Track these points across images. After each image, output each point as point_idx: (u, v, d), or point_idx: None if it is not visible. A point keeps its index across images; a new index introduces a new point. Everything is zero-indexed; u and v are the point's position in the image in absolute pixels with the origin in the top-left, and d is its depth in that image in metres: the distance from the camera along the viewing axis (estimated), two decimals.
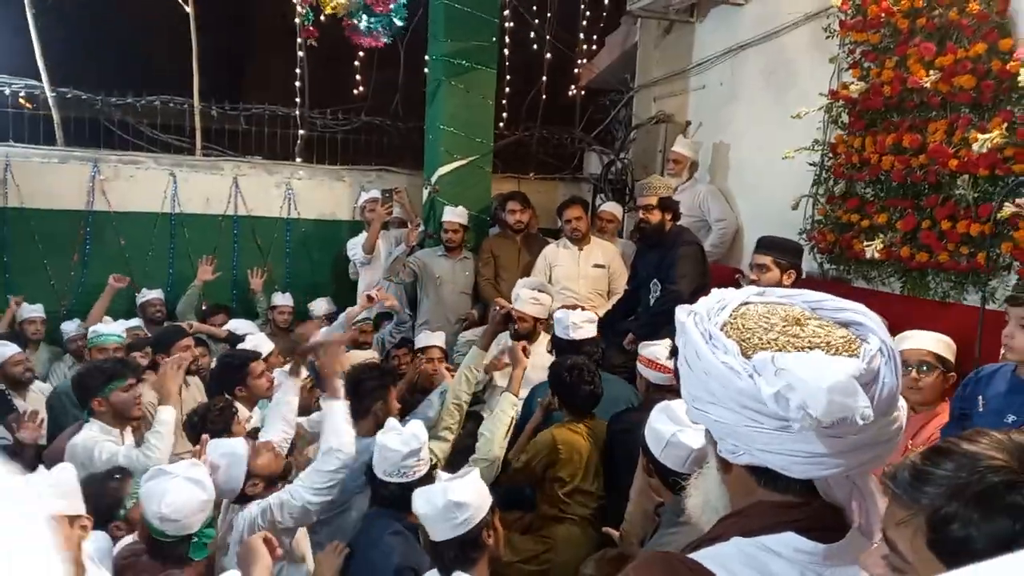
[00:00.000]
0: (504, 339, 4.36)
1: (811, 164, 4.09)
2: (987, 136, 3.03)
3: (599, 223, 5.24)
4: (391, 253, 5.11)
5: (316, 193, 6.01)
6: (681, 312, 1.01)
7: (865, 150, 3.72)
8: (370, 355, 4.49)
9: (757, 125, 4.70)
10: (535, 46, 6.32)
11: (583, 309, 4.27)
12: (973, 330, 3.06)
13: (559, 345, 3.43)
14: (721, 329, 0.96)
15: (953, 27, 3.28)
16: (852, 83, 3.78)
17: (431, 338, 4.40)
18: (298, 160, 5.92)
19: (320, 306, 5.52)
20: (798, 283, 3.55)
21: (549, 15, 6.29)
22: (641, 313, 4.14)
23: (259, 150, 5.91)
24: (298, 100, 5.53)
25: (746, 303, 1.01)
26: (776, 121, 4.39)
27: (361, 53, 5.63)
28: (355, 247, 5.25)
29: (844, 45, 3.91)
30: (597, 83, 6.68)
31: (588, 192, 6.46)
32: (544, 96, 6.46)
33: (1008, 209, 2.95)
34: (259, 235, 5.89)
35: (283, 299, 5.47)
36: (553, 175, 6.76)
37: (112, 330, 4.04)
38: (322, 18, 3.95)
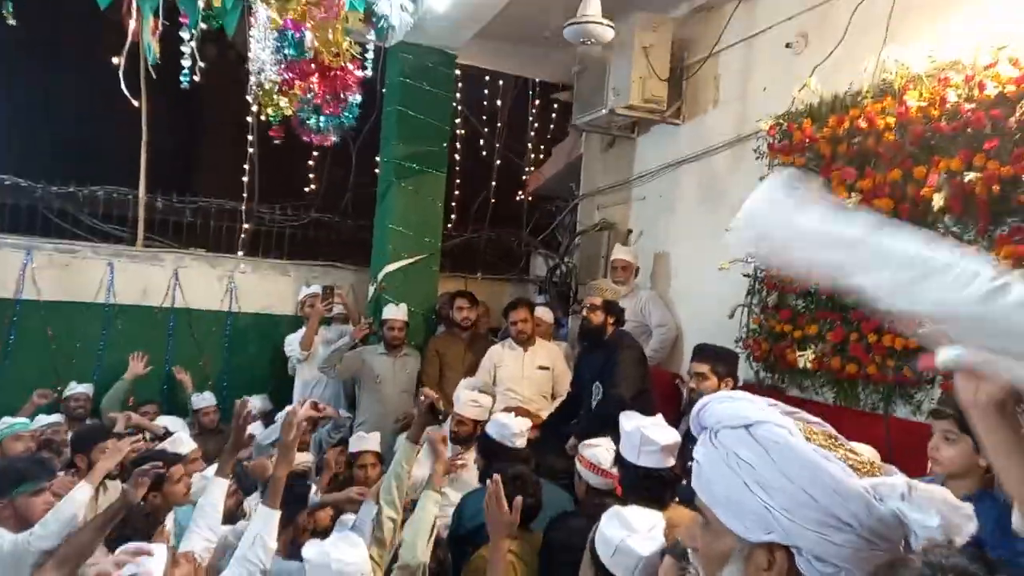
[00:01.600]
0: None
1: (745, 275, 4.25)
2: None
3: None
4: (332, 349, 5.04)
5: (259, 287, 5.95)
6: (760, 423, 0.95)
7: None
8: (306, 458, 4.32)
9: (694, 236, 4.90)
10: (485, 152, 6.57)
11: (525, 414, 4.27)
12: (904, 443, 3.14)
13: (489, 448, 3.36)
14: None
15: (871, 154, 3.54)
16: None
17: (365, 442, 4.21)
18: (241, 253, 5.87)
19: (256, 404, 5.33)
20: (735, 390, 3.63)
21: (499, 124, 6.57)
22: (583, 416, 4.14)
23: (203, 243, 5.86)
24: (245, 195, 5.55)
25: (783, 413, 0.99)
26: (711, 233, 4.59)
27: (315, 152, 5.74)
28: (292, 343, 5.16)
29: (772, 166, 4.17)
30: (544, 190, 6.94)
31: (535, 293, 6.57)
32: (493, 200, 6.66)
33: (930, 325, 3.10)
34: (196, 329, 5.75)
35: (203, 400, 5.23)
36: (501, 276, 6.86)
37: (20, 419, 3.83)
38: (268, 116, 4.03)
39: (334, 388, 5.14)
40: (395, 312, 5.09)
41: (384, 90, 5.56)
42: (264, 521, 2.36)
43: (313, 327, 5.05)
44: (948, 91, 3.15)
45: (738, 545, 0.95)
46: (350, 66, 4.03)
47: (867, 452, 2.68)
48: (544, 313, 5.44)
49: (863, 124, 3.52)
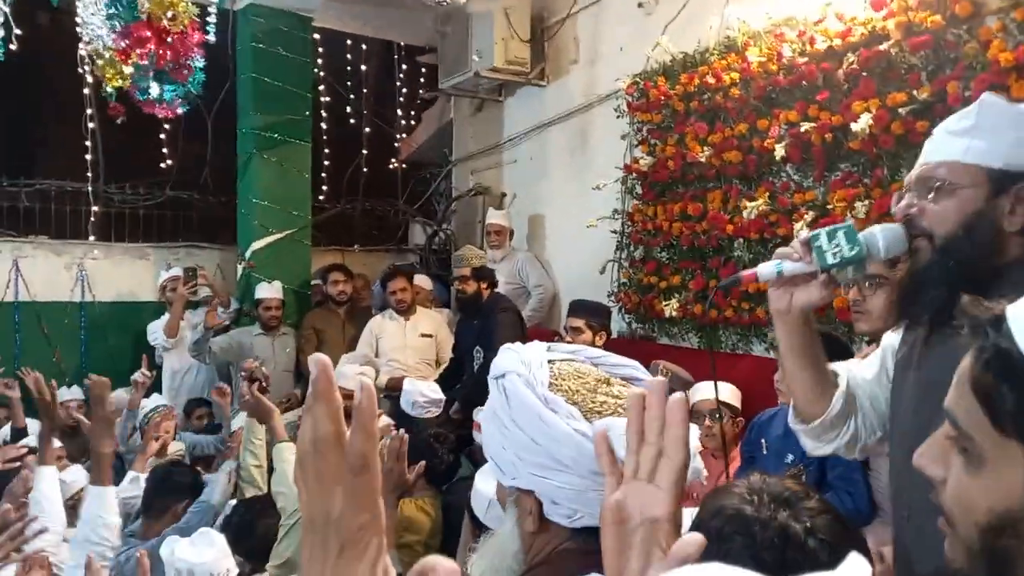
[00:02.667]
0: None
1: (613, 232, 4.40)
2: (754, 204, 3.43)
3: None
4: (196, 338, 4.79)
5: (114, 273, 5.54)
6: (507, 374, 0.99)
7: (657, 218, 4.07)
8: (178, 447, 4.13)
9: (565, 196, 5.00)
10: (353, 120, 6.36)
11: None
12: (761, 378, 3.38)
13: (402, 416, 3.38)
14: (550, 391, 0.96)
15: (720, 109, 3.72)
16: (642, 158, 4.15)
17: (242, 422, 4.10)
18: (92, 239, 5.43)
19: (121, 396, 5.00)
20: (609, 343, 3.77)
21: (365, 90, 6.37)
22: (466, 381, 4.17)
23: (46, 229, 5.38)
24: (90, 175, 5.12)
25: (551, 361, 1.03)
26: (581, 192, 4.70)
27: (166, 125, 5.36)
28: (156, 331, 4.87)
29: (633, 124, 4.30)
30: (417, 156, 6.82)
31: (417, 263, 6.50)
32: (365, 169, 6.48)
33: None
34: (46, 322, 5.30)
35: (67, 394, 4.86)
36: (379, 247, 6.73)
37: None
38: (109, 89, 3.70)
39: (207, 375, 4.90)
40: (269, 291, 4.89)
41: (236, 56, 5.25)
42: (98, 501, 2.24)
43: (177, 312, 4.77)
44: (784, 46, 3.35)
45: (507, 491, 1.01)
46: (189, 30, 3.77)
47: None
48: (423, 280, 5.40)
49: (711, 80, 3.69)
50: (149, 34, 3.64)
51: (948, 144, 1.25)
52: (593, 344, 3.63)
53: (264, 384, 3.41)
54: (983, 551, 0.60)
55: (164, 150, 5.55)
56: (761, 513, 0.94)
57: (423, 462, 2.60)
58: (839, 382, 1.36)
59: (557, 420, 0.92)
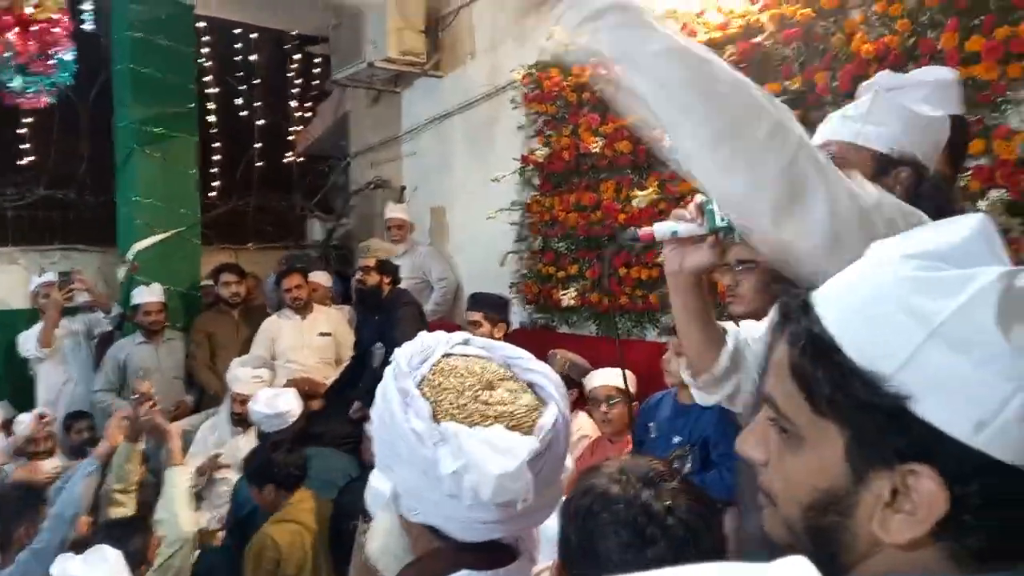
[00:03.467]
0: (219, 427, 4.03)
1: (512, 223, 4.41)
2: (644, 193, 3.51)
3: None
4: (79, 344, 4.49)
5: None
6: (393, 360, 0.98)
7: (554, 209, 4.11)
8: (55, 465, 3.86)
9: (465, 188, 4.98)
10: (245, 113, 6.11)
11: (310, 384, 4.17)
12: (655, 363, 3.46)
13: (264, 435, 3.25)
14: (418, 386, 0.94)
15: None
16: (538, 149, 4.18)
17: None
18: None
19: None
20: (508, 334, 3.78)
21: (256, 82, 6.13)
22: (366, 378, 4.09)
23: None
24: None
25: (449, 354, 1.00)
26: (481, 184, 4.69)
27: (30, 120, 4.98)
28: (28, 340, 4.51)
29: (529, 115, 4.32)
30: (314, 149, 6.63)
31: (317, 260, 6.31)
32: (259, 163, 6.25)
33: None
34: None
35: None
36: (275, 244, 6.50)
37: None
38: None
39: (85, 386, 4.59)
40: (148, 294, 4.61)
41: (112, 46, 4.93)
42: None
43: (52, 320, 4.43)
44: None
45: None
46: (55, 16, 3.51)
47: (611, 376, 2.92)
48: (321, 277, 5.25)
49: (603, 71, 3.73)
50: (11, 21, 3.37)
51: (842, 127, 1.37)
52: (491, 336, 3.63)
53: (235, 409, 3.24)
54: (807, 529, 0.62)
55: (26, 145, 5.14)
56: (626, 492, 1.01)
57: None
58: (727, 340, 1.44)
59: (399, 413, 0.91)
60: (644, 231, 1.33)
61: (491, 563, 0.95)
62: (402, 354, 0.98)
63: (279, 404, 3.35)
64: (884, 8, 2.72)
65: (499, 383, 0.98)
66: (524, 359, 1.04)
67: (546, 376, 1.02)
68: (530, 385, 1.01)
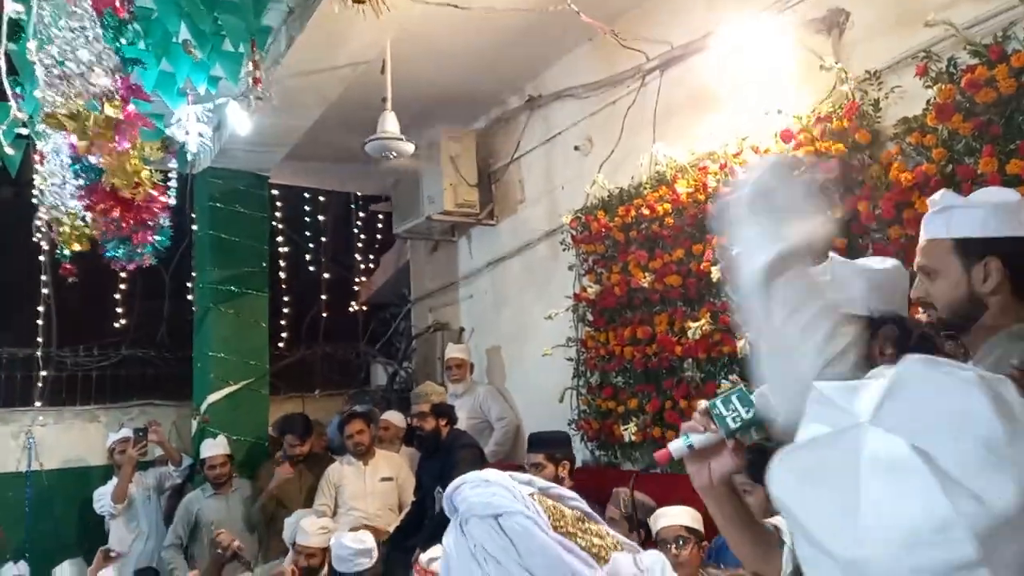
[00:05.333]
0: None
1: (568, 359, 4.45)
2: (697, 324, 3.54)
3: (380, 433, 5.16)
4: (149, 499, 4.60)
5: (63, 439, 5.38)
6: (506, 513, 0.90)
7: (609, 343, 4.15)
8: None
9: (521, 327, 5.09)
10: (312, 268, 6.51)
11: (373, 532, 4.11)
12: None
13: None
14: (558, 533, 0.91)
15: (658, 237, 3.91)
16: (589, 286, 4.29)
17: None
18: (37, 404, 5.30)
19: (65, 571, 4.70)
20: (574, 471, 3.72)
21: (324, 239, 6.57)
22: (427, 525, 4.03)
23: None
24: (40, 339, 5.09)
25: (531, 495, 0.96)
26: (536, 322, 4.79)
27: (122, 286, 5.42)
28: (103, 497, 4.65)
29: (579, 255, 4.48)
30: (377, 298, 6.95)
31: (381, 403, 6.42)
32: (325, 314, 6.56)
33: (726, 384, 3.40)
34: None
35: (16, 569, 4.58)
36: (340, 390, 6.68)
37: None
38: (66, 253, 3.77)
39: (156, 542, 4.66)
40: (213, 448, 4.73)
41: (194, 215, 5.41)
42: None
43: (127, 476, 4.59)
44: (708, 177, 3.59)
45: None
46: (154, 193, 3.91)
47: (680, 516, 2.82)
48: (394, 417, 5.29)
49: (646, 211, 3.90)
50: (112, 202, 3.74)
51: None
52: (557, 475, 3.58)
53: (239, 554, 3.25)
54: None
55: (119, 309, 5.56)
56: None
57: None
58: (784, 538, 1.33)
59: (582, 569, 0.86)
60: (659, 453, 1.27)
61: None
62: (514, 503, 0.91)
63: (366, 540, 3.32)
64: (918, 139, 2.81)
65: (584, 517, 0.97)
66: (552, 487, 0.99)
67: (576, 498, 1.00)
68: (586, 514, 1.01)
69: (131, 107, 2.75)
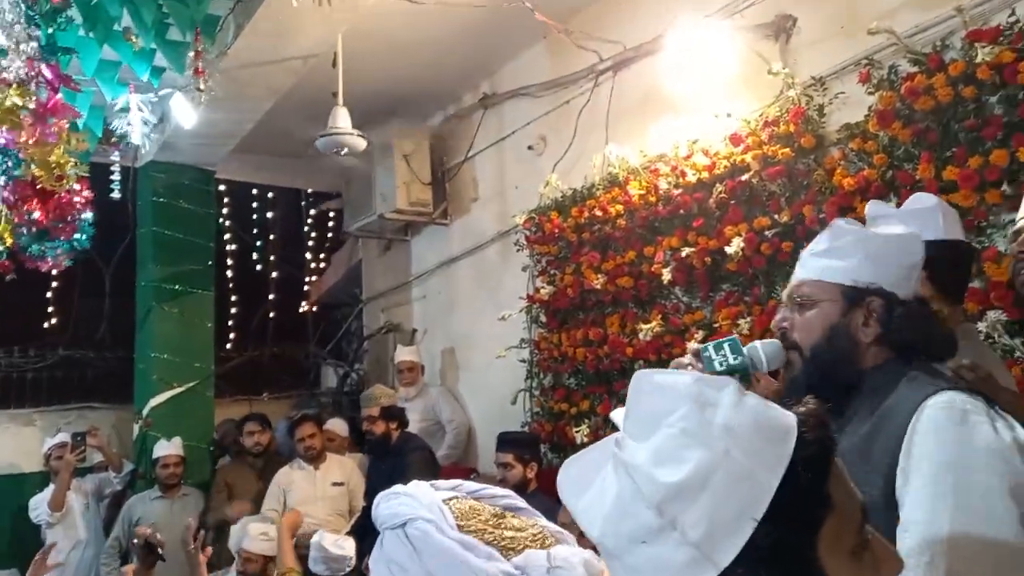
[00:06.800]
0: None
1: (521, 360, 4.44)
2: (648, 326, 3.56)
3: (325, 443, 5.06)
4: (88, 506, 4.43)
5: None
6: (410, 520, 0.90)
7: (562, 345, 4.15)
8: None
9: (474, 328, 5.06)
10: (260, 267, 6.37)
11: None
12: None
13: None
14: (462, 532, 0.90)
15: (610, 239, 3.92)
16: (543, 287, 4.28)
17: None
18: None
19: None
20: (539, 472, 3.70)
21: (272, 237, 6.43)
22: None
23: None
24: None
25: (445, 500, 1.00)
26: (489, 324, 4.76)
27: (55, 284, 5.21)
28: (39, 505, 4.46)
29: (533, 256, 4.47)
30: (328, 298, 6.83)
31: (330, 408, 6.31)
32: (273, 314, 6.42)
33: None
34: None
35: None
36: (289, 393, 6.54)
37: None
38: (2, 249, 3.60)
39: (95, 549, 4.49)
40: (167, 448, 4.61)
41: (136, 211, 5.23)
42: None
43: (64, 483, 4.40)
44: (660, 180, 3.62)
45: None
46: (77, 187, 3.75)
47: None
48: (337, 426, 5.22)
49: (599, 213, 3.92)
50: (31, 194, 3.58)
51: (810, 264, 1.38)
52: (525, 477, 3.57)
53: (159, 551, 3.14)
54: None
55: (56, 308, 5.35)
56: None
57: None
58: None
59: (483, 564, 0.86)
60: None
61: None
62: (418, 510, 0.92)
63: (346, 547, 3.23)
64: (860, 145, 2.88)
65: (504, 513, 0.99)
66: (484, 488, 1.04)
67: (514, 497, 1.01)
68: (512, 510, 1.01)
69: (59, 96, 2.62)
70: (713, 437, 0.62)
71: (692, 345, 1.35)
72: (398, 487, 1.00)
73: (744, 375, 1.32)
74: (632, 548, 0.63)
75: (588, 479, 0.69)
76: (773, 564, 0.60)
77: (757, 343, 1.35)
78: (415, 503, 0.94)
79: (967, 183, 2.50)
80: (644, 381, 0.70)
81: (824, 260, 1.35)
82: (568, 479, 0.71)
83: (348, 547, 3.32)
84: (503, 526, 0.94)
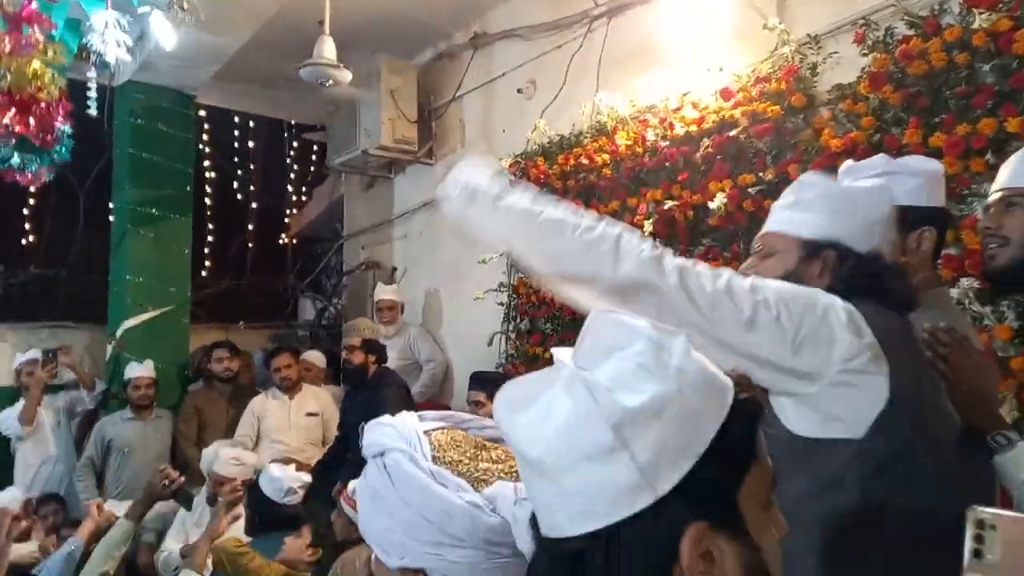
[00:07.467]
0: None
1: (499, 304, 4.47)
2: None
3: (303, 373, 5.10)
4: (59, 423, 4.44)
5: None
6: (388, 451, 0.97)
7: (540, 290, 4.17)
8: (31, 548, 3.75)
9: (454, 269, 5.06)
10: (240, 196, 6.28)
11: (296, 464, 4.09)
12: None
13: (259, 501, 3.18)
14: (435, 464, 0.95)
15: (595, 188, 3.92)
16: None
17: (116, 508, 3.77)
18: None
19: None
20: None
21: (253, 167, 6.32)
22: (350, 460, 4.04)
23: None
24: None
25: (426, 432, 1.02)
26: (470, 265, 4.77)
27: (31, 201, 5.10)
28: (8, 419, 4.47)
29: None
30: (308, 232, 6.77)
31: (308, 340, 6.34)
32: (252, 245, 6.36)
33: None
34: None
35: None
36: (266, 323, 6.54)
37: None
38: None
39: (65, 466, 4.53)
40: (139, 370, 4.62)
41: (114, 131, 5.11)
42: None
43: (35, 398, 4.41)
44: (648, 131, 3.60)
45: (392, 572, 0.98)
46: (56, 98, 3.64)
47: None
48: (315, 357, 5.26)
49: (585, 161, 3.90)
50: (8, 102, 3.48)
51: (776, 216, 1.42)
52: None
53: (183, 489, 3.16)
54: None
55: (26, 226, 5.25)
56: None
57: None
58: None
59: (449, 495, 0.91)
60: None
61: None
62: (395, 441, 0.97)
63: (303, 477, 3.29)
64: (850, 107, 2.88)
65: (486, 444, 1.02)
66: (472, 420, 1.08)
67: (496, 426, 1.06)
68: (496, 441, 1.04)
69: (33, 4, 2.53)
70: (668, 376, 0.65)
71: None
72: (385, 417, 1.03)
73: None
74: (577, 467, 0.65)
75: (529, 399, 0.69)
76: (702, 500, 0.64)
77: None
78: (394, 434, 0.98)
79: (953, 150, 2.52)
80: (603, 316, 0.72)
81: (788, 212, 1.38)
82: (506, 398, 0.72)
83: (294, 476, 3.33)
84: (480, 458, 0.98)
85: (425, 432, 1.00)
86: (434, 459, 0.95)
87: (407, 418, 1.03)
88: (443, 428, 1.03)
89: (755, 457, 0.68)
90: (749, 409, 0.69)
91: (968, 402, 1.31)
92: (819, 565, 1.17)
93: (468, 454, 0.98)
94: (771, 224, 1.42)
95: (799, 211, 1.36)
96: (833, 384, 1.14)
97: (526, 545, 0.84)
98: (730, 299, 1.13)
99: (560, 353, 0.73)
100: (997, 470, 1.28)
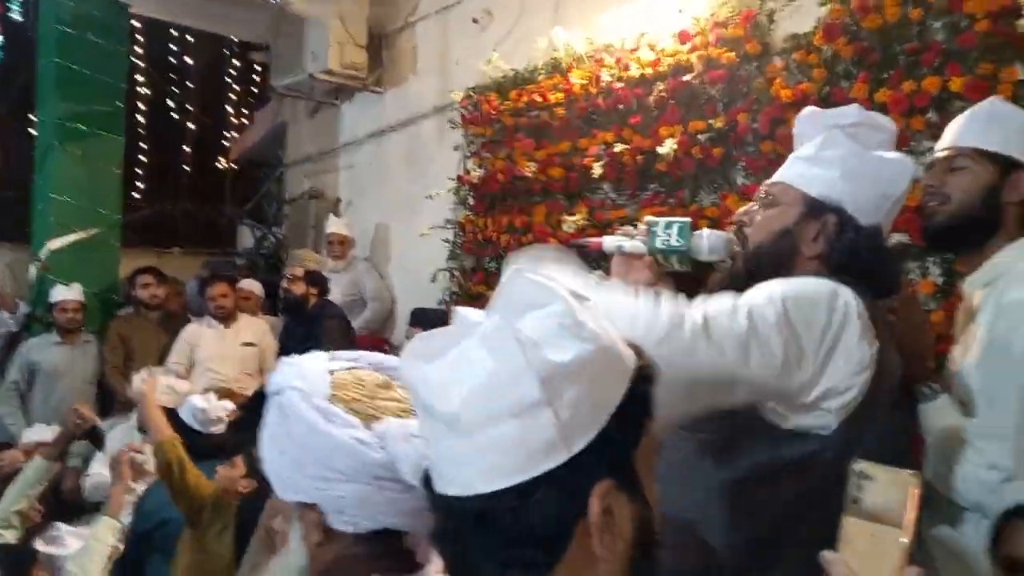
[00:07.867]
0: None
1: (445, 241, 4.43)
2: (573, 218, 3.59)
3: (240, 302, 4.98)
4: None
5: None
6: (284, 390, 0.96)
7: (487, 229, 4.14)
8: None
9: (401, 204, 4.97)
10: (177, 116, 5.98)
11: (228, 394, 4.03)
12: None
13: (183, 432, 3.12)
14: (329, 402, 0.95)
15: (546, 127, 3.86)
16: (474, 170, 4.22)
17: (41, 432, 3.65)
18: None
19: None
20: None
21: (191, 85, 6.01)
22: None
23: None
24: None
25: (331, 371, 1.02)
26: (416, 200, 4.69)
27: None
28: None
29: (466, 136, 4.36)
30: (249, 157, 6.51)
31: (244, 268, 6.17)
32: (190, 168, 6.10)
33: None
34: None
35: None
36: (202, 250, 6.33)
37: None
38: None
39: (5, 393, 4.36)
40: (66, 292, 4.43)
41: (39, 38, 4.76)
42: None
43: None
44: (603, 71, 3.54)
45: (292, 506, 1.00)
46: None
47: None
48: (254, 286, 5.12)
49: (538, 99, 3.83)
50: None
51: (790, 166, 1.36)
52: None
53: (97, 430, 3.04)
54: None
55: None
56: None
57: None
58: None
59: (333, 430, 0.92)
60: (593, 241, 1.38)
61: (399, 564, 0.96)
62: (292, 379, 0.97)
63: (227, 406, 3.22)
64: (803, 57, 2.88)
65: (390, 383, 1.03)
66: (387, 360, 1.08)
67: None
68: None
69: None
70: (585, 336, 0.65)
71: (648, 218, 1.36)
72: (293, 357, 1.02)
73: (682, 257, 1.34)
74: (497, 422, 0.64)
75: (437, 353, 0.68)
76: (608, 458, 0.66)
77: (704, 231, 1.35)
78: (293, 372, 0.98)
79: (897, 107, 2.55)
80: (519, 275, 0.71)
81: (803, 166, 1.33)
82: (414, 352, 0.70)
83: (218, 405, 3.27)
84: (380, 396, 0.99)
85: (330, 371, 1.01)
86: (332, 397, 0.96)
87: (316, 358, 1.03)
88: (352, 368, 1.03)
89: (651, 418, 0.70)
90: (646, 373, 0.70)
91: (909, 353, 1.32)
92: (774, 551, 1.20)
93: (367, 392, 0.98)
94: (782, 174, 1.36)
95: (815, 166, 1.30)
96: (840, 391, 1.15)
97: (413, 480, 0.85)
98: (759, 346, 1.12)
99: (465, 311, 0.73)
100: (919, 417, 1.34)
